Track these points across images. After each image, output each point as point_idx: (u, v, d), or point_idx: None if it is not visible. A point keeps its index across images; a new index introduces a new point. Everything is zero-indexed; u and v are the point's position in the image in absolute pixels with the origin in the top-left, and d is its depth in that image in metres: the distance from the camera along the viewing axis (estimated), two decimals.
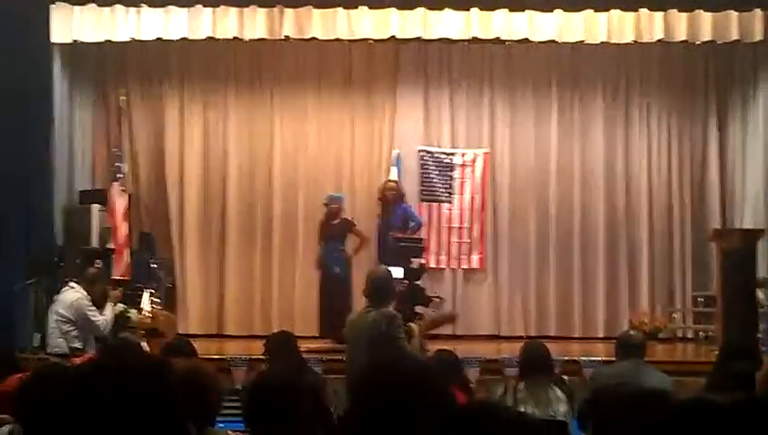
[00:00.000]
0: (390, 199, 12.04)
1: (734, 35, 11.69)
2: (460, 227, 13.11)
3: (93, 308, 9.38)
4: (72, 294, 9.45)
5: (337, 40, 12.10)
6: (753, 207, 12.70)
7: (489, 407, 2.71)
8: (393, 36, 12.03)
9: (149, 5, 11.55)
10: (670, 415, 2.66)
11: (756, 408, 2.29)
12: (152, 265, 12.55)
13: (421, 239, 12.06)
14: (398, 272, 8.51)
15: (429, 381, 2.84)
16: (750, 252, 10.56)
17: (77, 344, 9.24)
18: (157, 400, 2.49)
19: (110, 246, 11.91)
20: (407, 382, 2.77)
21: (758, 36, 11.68)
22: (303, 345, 8.04)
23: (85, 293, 9.44)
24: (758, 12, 11.57)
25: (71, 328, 9.31)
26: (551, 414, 6.36)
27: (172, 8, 11.59)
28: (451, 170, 13.17)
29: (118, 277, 11.53)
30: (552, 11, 11.64)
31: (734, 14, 11.60)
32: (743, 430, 2.17)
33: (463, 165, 13.22)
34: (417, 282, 10.38)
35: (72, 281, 9.78)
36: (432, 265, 12.65)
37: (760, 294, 10.91)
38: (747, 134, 13.04)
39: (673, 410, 2.72)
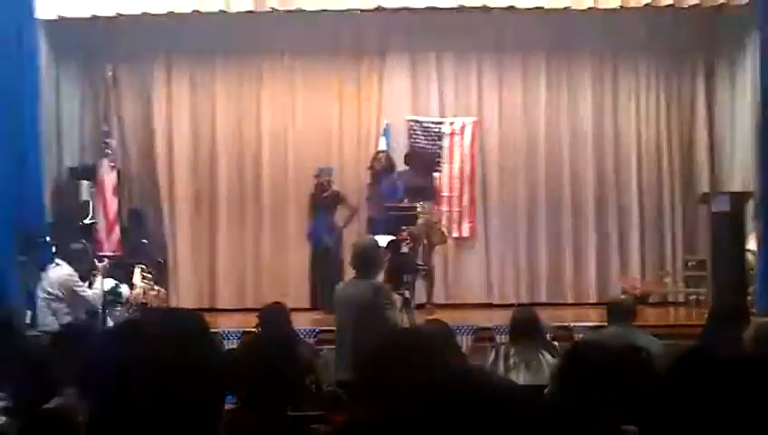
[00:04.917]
0: (380, 170, 12.02)
1: None
2: (450, 196, 13.10)
3: (81, 284, 9.36)
4: (59, 272, 9.42)
5: (323, 11, 12.05)
6: (743, 169, 12.70)
7: (477, 373, 2.71)
8: (379, 6, 11.99)
9: None
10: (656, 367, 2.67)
11: (753, 363, 2.28)
12: (143, 241, 12.55)
13: (414, 207, 12.00)
14: (382, 241, 8.52)
15: (423, 348, 2.85)
16: (739, 215, 10.61)
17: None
18: None
19: (94, 221, 11.86)
20: (401, 352, 2.78)
21: None
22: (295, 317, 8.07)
23: (71, 269, 9.41)
24: None
25: (60, 305, 9.30)
26: (541, 380, 6.40)
27: None
28: (440, 139, 13.16)
29: (109, 253, 11.52)
30: None
31: None
32: (742, 384, 2.15)
33: (452, 133, 13.20)
34: (403, 250, 10.37)
35: (57, 258, 9.75)
36: None
37: (749, 256, 10.95)
38: (735, 97, 13.00)
39: (667, 361, 2.73)
